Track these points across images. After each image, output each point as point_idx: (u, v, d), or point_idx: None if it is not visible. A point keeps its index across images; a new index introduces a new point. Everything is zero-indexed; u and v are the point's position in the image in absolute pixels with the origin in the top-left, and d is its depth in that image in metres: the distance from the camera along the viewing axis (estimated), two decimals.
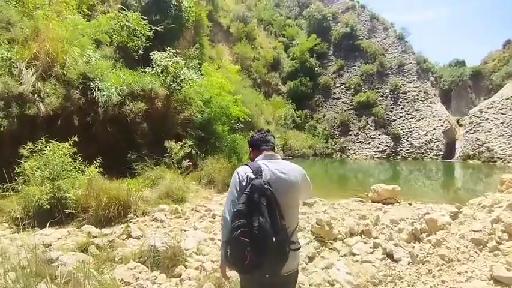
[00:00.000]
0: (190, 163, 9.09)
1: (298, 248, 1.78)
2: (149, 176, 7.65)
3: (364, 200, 7.35)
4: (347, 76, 32.58)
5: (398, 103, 29.09)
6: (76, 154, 5.89)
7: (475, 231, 3.11)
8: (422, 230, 3.73)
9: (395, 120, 28.54)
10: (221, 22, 29.87)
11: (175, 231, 4.62)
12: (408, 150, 26.91)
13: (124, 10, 12.62)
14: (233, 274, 2.07)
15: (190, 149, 9.57)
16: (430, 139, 26.25)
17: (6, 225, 4.92)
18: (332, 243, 4.17)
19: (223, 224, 1.75)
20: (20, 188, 5.05)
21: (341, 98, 31.82)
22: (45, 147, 5.48)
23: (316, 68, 33.33)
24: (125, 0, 14.88)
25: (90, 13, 12.34)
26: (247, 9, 35.13)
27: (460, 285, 2.76)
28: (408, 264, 3.33)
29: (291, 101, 30.33)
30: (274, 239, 1.52)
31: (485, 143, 23.03)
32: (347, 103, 31.22)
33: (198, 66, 15.10)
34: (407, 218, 4.67)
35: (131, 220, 5.11)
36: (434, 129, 26.44)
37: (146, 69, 10.55)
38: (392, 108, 29.13)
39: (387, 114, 28.87)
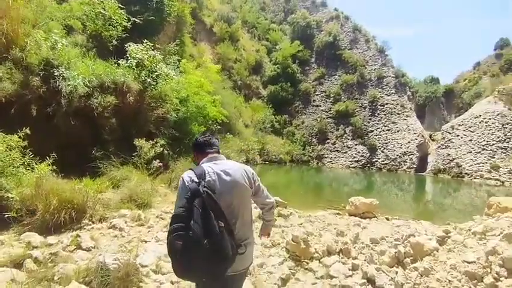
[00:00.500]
0: (161, 164, 8.51)
1: (245, 252, 1.79)
2: (114, 177, 6.99)
3: (341, 213, 7.10)
4: (327, 84, 32.84)
5: (376, 114, 29.61)
6: (28, 148, 5.22)
7: (468, 262, 2.85)
8: (406, 254, 3.45)
9: (372, 131, 29.00)
10: (204, 20, 29.25)
11: (134, 242, 4.09)
12: (383, 161, 27.39)
13: None
14: None
15: (161, 148, 9.00)
16: (404, 152, 26.86)
17: None
18: (307, 263, 3.81)
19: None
20: None
21: (320, 106, 32.00)
22: None
23: (297, 74, 33.36)
24: None
25: None
26: (232, 10, 34.70)
27: None
28: None
29: (270, 106, 30.12)
30: (205, 242, 1.50)
31: (455, 159, 23.83)
32: (326, 111, 31.42)
33: (177, 62, 14.51)
34: (387, 237, 4.41)
35: (85, 227, 4.51)
36: (409, 142, 27.09)
37: (119, 61, 9.85)
38: (370, 119, 29.61)
39: (364, 125, 29.29)
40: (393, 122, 28.69)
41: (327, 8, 38.95)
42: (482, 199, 15.27)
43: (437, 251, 3.24)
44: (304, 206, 8.35)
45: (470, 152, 23.37)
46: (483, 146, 22.96)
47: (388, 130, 28.57)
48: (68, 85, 7.71)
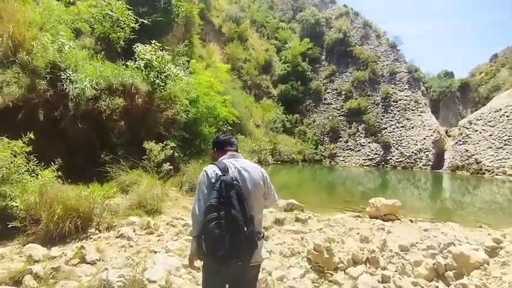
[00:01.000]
0: (171, 167, 8.25)
1: (263, 237, 1.96)
2: (123, 181, 6.76)
3: (361, 215, 6.69)
4: (338, 82, 32.25)
5: (389, 111, 28.87)
6: (35, 154, 5.02)
7: None
8: (447, 266, 3.06)
9: (385, 128, 28.27)
10: (213, 21, 29.10)
11: (143, 253, 3.81)
12: (398, 159, 26.64)
13: None
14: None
15: (172, 151, 8.73)
16: (420, 149, 26.05)
17: None
18: (332, 274, 3.45)
19: (193, 219, 1.88)
20: None
21: (331, 104, 31.43)
22: None
23: (308, 73, 32.88)
24: None
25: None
26: (240, 10, 34.47)
27: None
28: None
29: (281, 105, 29.72)
30: (246, 229, 1.66)
31: (473, 155, 22.93)
32: (337, 109, 30.84)
33: (186, 63, 14.31)
34: (417, 243, 4.00)
35: (91, 236, 4.25)
36: (424, 138, 26.27)
37: (128, 63, 9.67)
38: (383, 116, 28.89)
39: (377, 122, 28.58)
40: (407, 119, 27.90)
41: (336, 5, 38.33)
42: (506, 196, 14.57)
43: (488, 265, 2.84)
44: (320, 207, 7.98)
45: (491, 148, 22.44)
46: (505, 141, 21.98)
47: (402, 127, 27.78)
48: (76, 88, 7.54)
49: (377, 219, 6.29)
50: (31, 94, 6.89)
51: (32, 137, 4.87)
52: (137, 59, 9.73)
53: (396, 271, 3.42)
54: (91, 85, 7.92)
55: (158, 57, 9.91)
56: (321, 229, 5.09)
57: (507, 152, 21.55)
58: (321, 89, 32.13)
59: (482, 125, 23.69)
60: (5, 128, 5.53)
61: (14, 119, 6.53)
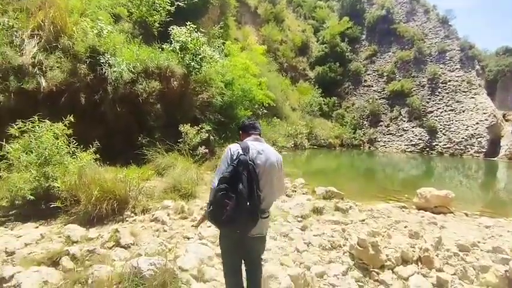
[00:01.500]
0: (207, 150, 8.19)
1: (268, 217, 2.17)
2: (159, 164, 6.81)
3: (407, 206, 6.13)
4: (380, 63, 30.25)
5: (437, 93, 26.61)
6: (76, 136, 5.13)
7: None
8: None
9: (431, 112, 26.17)
10: (248, 2, 28.35)
11: (176, 238, 3.72)
12: (445, 145, 24.65)
13: None
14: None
15: (207, 134, 8.68)
16: (472, 134, 23.83)
17: None
18: (378, 273, 3.10)
19: (211, 188, 2.07)
20: (0, 175, 4.33)
21: (372, 86, 29.69)
22: (37, 126, 4.72)
23: (347, 53, 31.18)
24: None
25: None
26: None
27: None
28: None
29: (318, 88, 28.64)
30: (248, 203, 1.90)
31: None
32: (378, 92, 29.08)
33: (222, 46, 14.09)
34: (479, 242, 3.49)
35: (127, 219, 4.27)
36: (477, 123, 23.94)
37: (163, 46, 9.64)
38: (429, 98, 26.72)
39: (423, 105, 26.52)
40: (457, 101, 25.55)
41: None
42: None
43: None
44: (360, 196, 7.50)
45: None
46: None
47: (451, 110, 25.53)
48: (114, 72, 7.65)
49: (425, 211, 5.72)
50: (73, 78, 7.09)
51: (72, 119, 4.94)
52: (173, 41, 9.66)
53: (455, 274, 2.99)
54: (128, 68, 8.00)
55: (194, 39, 9.76)
56: (363, 220, 4.69)
57: None
58: (361, 70, 30.39)
59: None
60: (49, 112, 5.72)
61: (58, 103, 6.78)
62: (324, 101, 27.88)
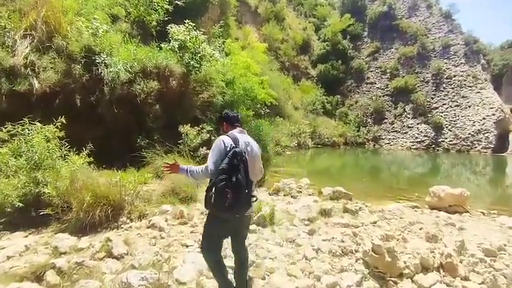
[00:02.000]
0: (208, 151, 7.92)
1: (256, 199, 2.47)
2: (158, 166, 6.53)
3: (419, 206, 5.81)
4: (382, 59, 29.92)
5: (441, 89, 26.21)
6: (71, 139, 4.87)
7: None
8: None
9: (436, 108, 25.78)
10: (249, 2, 28.13)
11: (174, 246, 3.44)
12: (451, 141, 24.23)
13: None
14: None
15: (208, 134, 8.40)
16: (478, 130, 23.39)
17: None
18: (396, 283, 2.80)
19: (203, 171, 2.29)
20: None
21: (375, 83, 29.34)
22: (27, 129, 4.46)
23: (349, 51, 30.91)
24: None
25: None
26: None
27: None
28: None
29: (320, 86, 28.32)
30: (246, 191, 2.20)
31: None
32: (382, 89, 28.73)
33: (222, 45, 13.82)
34: (505, 245, 3.17)
35: (122, 226, 3.99)
36: (484, 118, 23.50)
37: (161, 44, 9.38)
38: (434, 94, 26.33)
39: (427, 102, 26.14)
40: (463, 97, 25.14)
41: None
42: None
43: None
44: (368, 195, 7.20)
45: None
46: None
47: (457, 106, 25.13)
48: (110, 72, 7.39)
49: (439, 210, 5.41)
50: (67, 79, 6.84)
51: (64, 121, 4.68)
52: (171, 40, 9.40)
53: (483, 283, 2.68)
54: (125, 68, 7.74)
55: (193, 37, 9.49)
56: (375, 222, 4.39)
57: None
58: (363, 67, 30.08)
59: None
60: (43, 114, 5.47)
61: (52, 105, 6.53)
62: (327, 99, 27.59)
